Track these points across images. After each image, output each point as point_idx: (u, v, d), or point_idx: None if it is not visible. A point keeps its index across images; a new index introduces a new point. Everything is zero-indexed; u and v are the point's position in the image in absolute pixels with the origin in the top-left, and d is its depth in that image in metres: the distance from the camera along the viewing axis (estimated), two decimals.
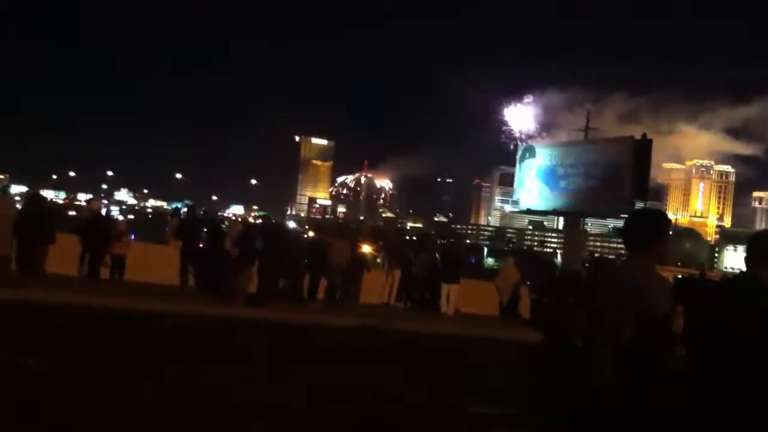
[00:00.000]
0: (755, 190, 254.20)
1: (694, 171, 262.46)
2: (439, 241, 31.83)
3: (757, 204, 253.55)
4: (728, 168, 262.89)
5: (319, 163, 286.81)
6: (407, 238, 35.43)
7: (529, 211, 37.24)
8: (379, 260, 20.03)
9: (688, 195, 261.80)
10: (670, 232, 4.47)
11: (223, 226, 17.75)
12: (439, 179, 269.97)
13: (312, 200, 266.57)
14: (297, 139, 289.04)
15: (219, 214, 77.84)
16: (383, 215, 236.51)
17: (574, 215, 33.99)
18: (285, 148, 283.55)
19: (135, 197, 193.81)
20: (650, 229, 4.09)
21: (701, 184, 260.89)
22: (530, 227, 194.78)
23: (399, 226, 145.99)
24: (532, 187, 32.87)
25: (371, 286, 17.14)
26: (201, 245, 15.74)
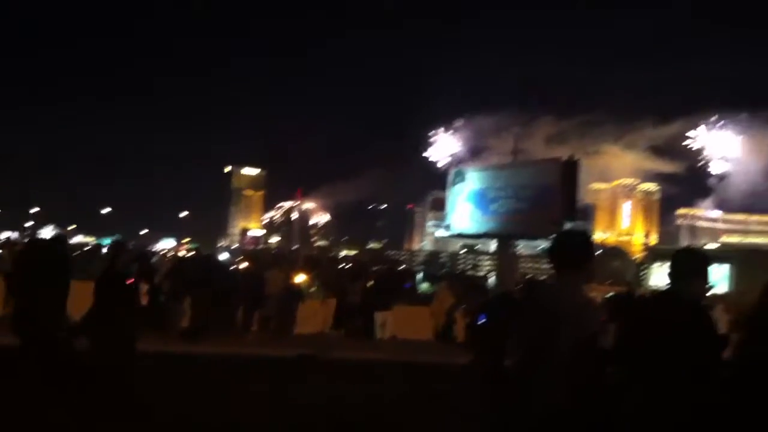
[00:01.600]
0: (679, 208, 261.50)
1: (620, 190, 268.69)
2: (373, 268, 31.83)
3: (681, 221, 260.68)
4: (653, 186, 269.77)
5: (250, 192, 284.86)
6: (342, 265, 35.36)
7: (461, 235, 37.58)
8: (313, 289, 19.93)
9: (615, 214, 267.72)
10: (597, 252, 4.59)
11: (154, 259, 17.47)
12: (372, 206, 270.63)
13: (244, 231, 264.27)
14: (228, 169, 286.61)
15: (149, 248, 76.44)
16: (317, 244, 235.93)
17: (505, 237, 34.43)
18: (215, 178, 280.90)
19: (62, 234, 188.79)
20: (578, 250, 4.19)
21: (627, 203, 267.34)
22: (463, 251, 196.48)
23: (333, 254, 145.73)
24: (464, 211, 33.21)
25: (306, 315, 17.03)
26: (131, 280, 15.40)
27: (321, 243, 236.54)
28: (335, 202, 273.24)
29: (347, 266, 28.39)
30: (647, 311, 4.63)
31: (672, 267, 4.57)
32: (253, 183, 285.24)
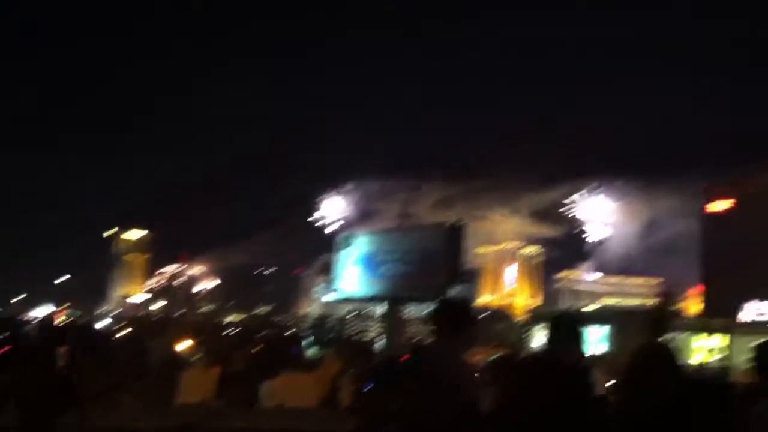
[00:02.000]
0: (561, 270, 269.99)
1: (504, 254, 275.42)
2: (259, 334, 31.34)
3: (562, 283, 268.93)
4: (536, 250, 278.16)
5: (133, 256, 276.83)
6: (227, 331, 34.71)
7: (349, 299, 37.64)
8: (197, 356, 19.43)
9: (499, 277, 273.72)
10: (478, 317, 4.68)
11: (27, 328, 16.66)
12: (259, 270, 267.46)
13: (126, 296, 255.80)
14: (110, 231, 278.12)
15: (23, 315, 72.90)
16: (202, 309, 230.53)
17: (393, 301, 34.64)
18: (98, 241, 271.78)
19: None
20: (457, 318, 4.27)
21: (511, 267, 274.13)
22: (351, 315, 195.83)
23: (218, 319, 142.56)
24: (352, 275, 33.32)
25: (189, 384, 16.53)
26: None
27: (206, 308, 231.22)
28: (222, 266, 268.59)
29: (233, 332, 27.88)
30: (527, 374, 4.72)
31: (549, 332, 4.72)
32: (137, 246, 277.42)
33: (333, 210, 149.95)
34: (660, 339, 6.54)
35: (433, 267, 29.33)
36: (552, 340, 4.64)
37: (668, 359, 4.45)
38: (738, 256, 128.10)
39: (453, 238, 29.24)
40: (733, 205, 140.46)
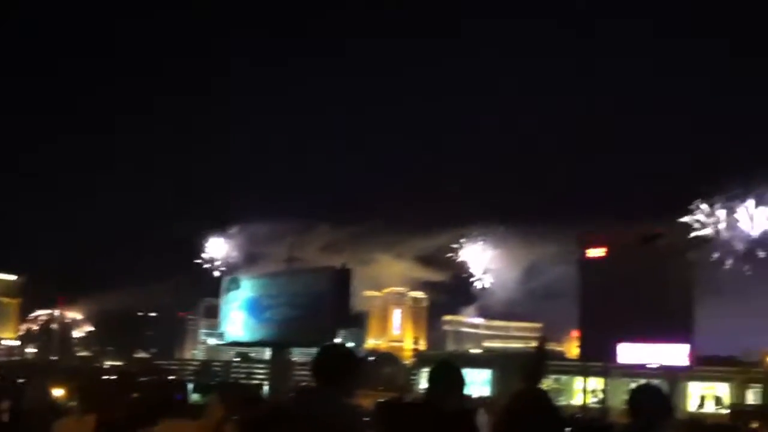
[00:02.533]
0: (445, 314, 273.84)
1: (391, 298, 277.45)
2: (140, 379, 30.35)
3: (447, 327, 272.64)
4: (421, 294, 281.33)
5: (5, 300, 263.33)
6: (105, 377, 33.38)
7: (234, 344, 37.00)
8: (73, 404, 18.65)
9: (386, 321, 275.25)
10: (362, 362, 4.76)
11: None
12: (141, 313, 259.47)
13: None
14: None
15: None
16: (79, 354, 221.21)
17: (279, 345, 34.33)
18: None
19: None
20: (339, 365, 4.33)
21: (398, 311, 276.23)
22: (237, 359, 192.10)
23: (96, 365, 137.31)
24: (238, 319, 32.87)
25: None
26: None
27: (83, 353, 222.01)
28: (101, 310, 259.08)
29: (111, 378, 26.84)
30: (409, 419, 4.82)
31: (430, 379, 4.86)
32: (8, 290, 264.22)
33: (219, 253, 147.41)
34: (537, 384, 6.74)
35: (321, 311, 29.32)
36: (433, 384, 4.77)
37: (543, 405, 4.62)
38: (611, 301, 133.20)
39: (341, 281, 29.37)
40: (606, 252, 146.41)
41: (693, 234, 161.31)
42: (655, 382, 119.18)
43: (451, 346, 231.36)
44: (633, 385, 7.68)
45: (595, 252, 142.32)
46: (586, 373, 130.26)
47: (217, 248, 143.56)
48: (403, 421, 5.01)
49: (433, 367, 5.03)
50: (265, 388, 56.75)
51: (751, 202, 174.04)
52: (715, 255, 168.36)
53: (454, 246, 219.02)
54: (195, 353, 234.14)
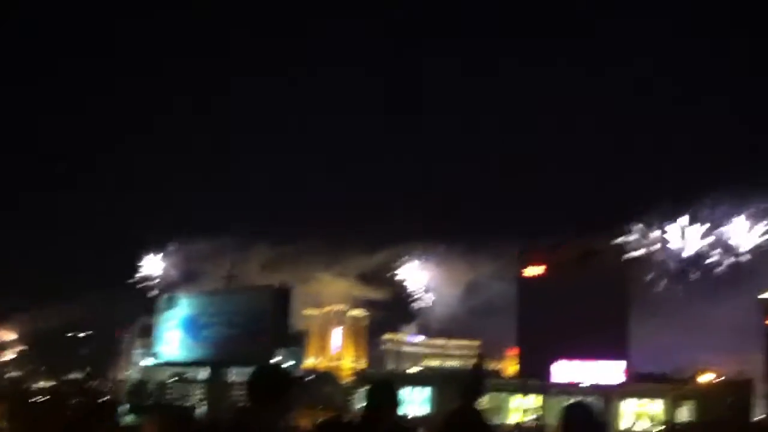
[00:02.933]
0: (385, 333, 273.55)
1: (331, 316, 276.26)
2: (72, 400, 29.64)
3: (387, 346, 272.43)
4: (361, 312, 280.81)
5: None
6: (35, 399, 32.55)
7: (170, 363, 36.41)
8: (1, 425, 18.13)
9: (326, 340, 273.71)
10: (297, 382, 4.74)
11: None
12: (74, 333, 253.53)
13: None
14: None
15: None
16: (8, 375, 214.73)
17: (216, 365, 33.90)
18: None
19: None
20: (273, 385, 4.31)
21: (338, 329, 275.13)
22: (172, 379, 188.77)
23: (26, 386, 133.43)
24: (174, 338, 32.38)
25: None
26: None
27: (12, 374, 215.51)
28: (31, 329, 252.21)
29: (42, 399, 26.13)
30: None
31: (366, 399, 4.87)
32: None
33: (155, 270, 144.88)
34: (474, 402, 6.78)
35: (260, 330, 29.07)
36: (369, 404, 4.78)
37: (475, 423, 4.66)
38: (549, 319, 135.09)
39: (280, 300, 29.20)
40: (544, 271, 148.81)
41: (628, 254, 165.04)
42: (590, 399, 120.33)
43: (391, 365, 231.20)
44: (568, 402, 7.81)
45: (534, 270, 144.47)
46: (523, 390, 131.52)
47: (154, 266, 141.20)
48: None
49: (369, 386, 5.06)
50: (202, 409, 55.85)
51: (684, 222, 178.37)
52: (650, 275, 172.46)
53: (395, 264, 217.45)
54: (129, 373, 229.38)
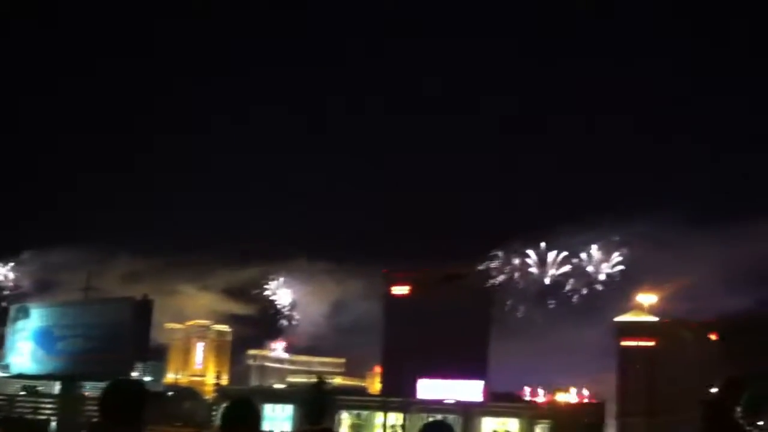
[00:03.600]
0: (250, 348, 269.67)
1: (194, 331, 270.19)
2: None
3: (251, 361, 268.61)
4: (226, 328, 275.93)
5: None
6: None
7: (21, 376, 34.68)
8: None
9: (188, 354, 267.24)
10: (154, 397, 4.68)
11: None
12: None
13: None
14: None
15: None
16: None
17: (71, 379, 32.56)
18: None
19: None
20: (128, 402, 4.23)
21: (200, 344, 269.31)
22: (23, 393, 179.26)
23: None
24: (25, 350, 30.89)
25: None
26: None
27: None
28: None
29: None
30: None
31: (223, 416, 4.89)
32: None
33: (4, 280, 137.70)
34: (320, 422, 6.87)
35: (119, 343, 28.17)
36: (226, 421, 4.78)
37: None
38: (413, 338, 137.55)
39: (141, 313, 28.41)
40: (409, 290, 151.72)
41: (490, 279, 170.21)
42: (451, 417, 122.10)
43: (255, 381, 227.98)
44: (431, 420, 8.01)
45: (400, 290, 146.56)
46: (386, 408, 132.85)
47: (4, 275, 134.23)
48: None
49: (227, 403, 5.06)
50: (54, 424, 53.26)
51: (543, 250, 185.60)
52: (510, 300, 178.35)
53: (262, 280, 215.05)
54: None
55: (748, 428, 5.96)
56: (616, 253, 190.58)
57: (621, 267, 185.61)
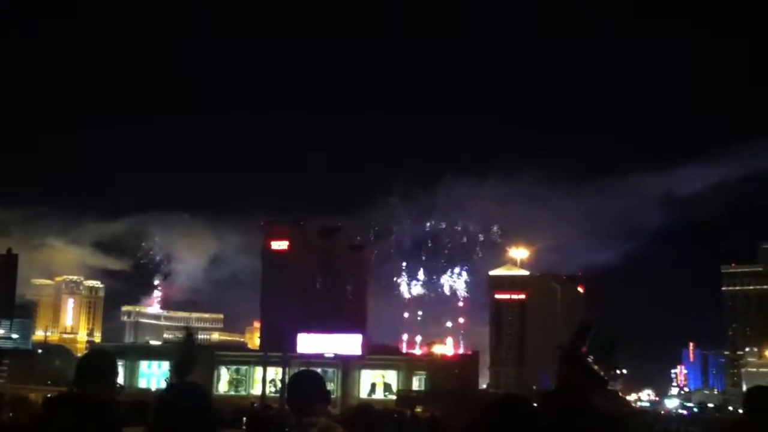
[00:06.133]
0: (124, 304, 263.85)
1: (64, 287, 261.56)
2: None
3: (126, 318, 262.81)
4: (98, 283, 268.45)
5: None
6: None
7: None
8: None
9: (58, 311, 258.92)
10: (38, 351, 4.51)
11: None
12: None
13: None
14: None
15: None
16: None
17: None
18: None
19: None
20: None
21: (71, 300, 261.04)
22: None
23: None
24: None
25: None
26: None
27: None
28: None
29: None
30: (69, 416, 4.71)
31: (78, 370, 4.81)
32: None
33: None
34: (187, 375, 6.86)
35: None
36: (80, 375, 4.72)
37: (196, 399, 4.76)
38: (292, 293, 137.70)
39: (5, 268, 27.19)
40: (288, 245, 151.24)
41: (368, 233, 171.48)
42: (331, 371, 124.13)
43: (130, 338, 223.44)
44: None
45: (278, 244, 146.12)
46: (266, 363, 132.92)
47: None
48: (67, 416, 4.87)
49: (81, 356, 4.97)
50: None
51: (420, 204, 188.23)
52: (388, 254, 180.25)
53: (136, 233, 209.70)
54: None
55: (602, 374, 6.32)
56: (491, 210, 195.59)
57: (495, 224, 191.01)
